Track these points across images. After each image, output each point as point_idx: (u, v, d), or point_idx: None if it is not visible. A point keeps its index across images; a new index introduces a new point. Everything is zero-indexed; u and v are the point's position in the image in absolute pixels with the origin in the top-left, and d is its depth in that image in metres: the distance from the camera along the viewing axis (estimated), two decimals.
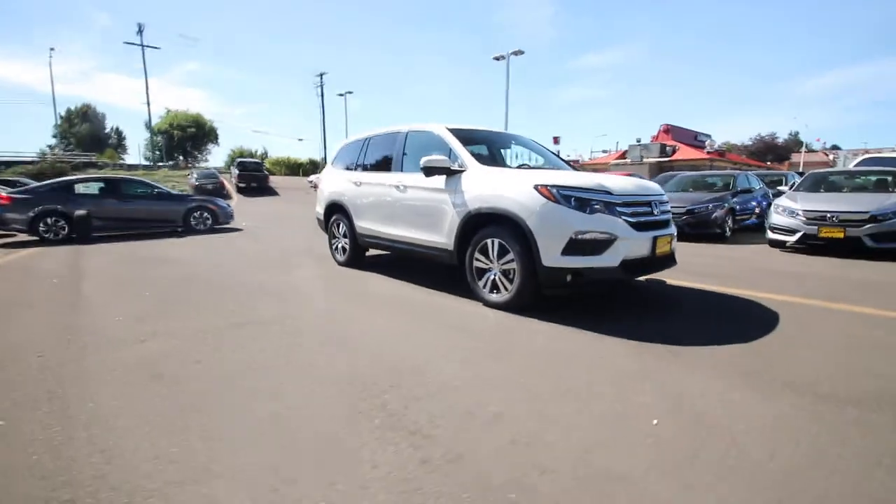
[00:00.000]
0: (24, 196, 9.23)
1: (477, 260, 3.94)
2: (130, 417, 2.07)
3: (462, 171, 4.09)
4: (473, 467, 1.68)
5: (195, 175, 26.10)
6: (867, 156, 14.08)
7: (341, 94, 35.28)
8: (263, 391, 2.33)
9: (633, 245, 3.45)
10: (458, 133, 4.45)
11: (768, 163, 36.96)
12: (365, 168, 5.53)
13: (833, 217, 6.35)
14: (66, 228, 9.22)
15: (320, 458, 1.75)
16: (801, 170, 25.04)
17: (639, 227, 3.50)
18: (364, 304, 4.11)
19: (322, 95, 45.28)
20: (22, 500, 1.53)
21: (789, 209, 6.87)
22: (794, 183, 12.57)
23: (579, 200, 3.39)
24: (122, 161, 45.15)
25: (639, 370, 2.58)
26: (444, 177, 4.21)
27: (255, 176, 27.37)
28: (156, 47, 35.42)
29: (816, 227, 6.46)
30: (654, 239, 3.59)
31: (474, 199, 3.89)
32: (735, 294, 4.32)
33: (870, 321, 3.49)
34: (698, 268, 5.68)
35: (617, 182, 3.65)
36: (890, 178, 7.42)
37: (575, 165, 5.79)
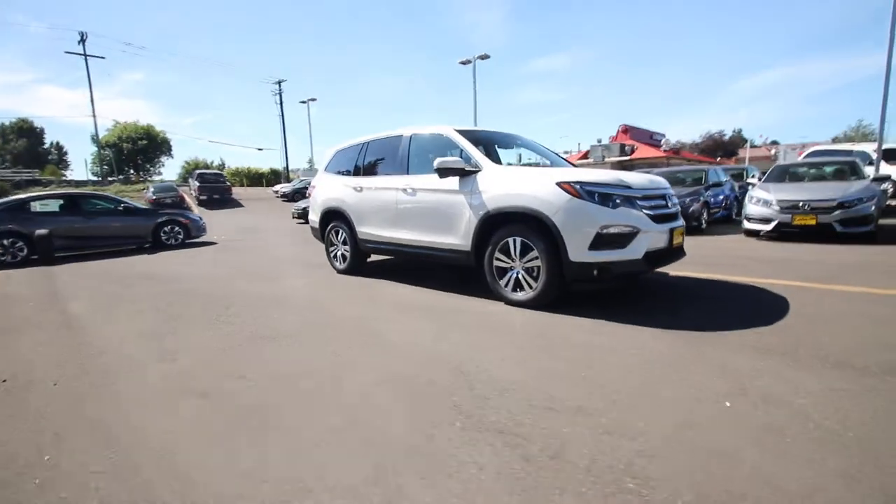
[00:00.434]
0: None
1: (497, 259, 3.95)
2: (193, 438, 1.94)
3: (477, 172, 4.10)
4: (579, 460, 1.68)
5: (152, 189, 24.83)
6: (815, 148, 15.15)
7: (303, 102, 34.53)
8: (323, 401, 2.24)
9: (654, 237, 3.56)
10: (466, 134, 4.46)
11: (718, 158, 39.08)
12: (366, 173, 5.44)
13: (805, 205, 6.79)
14: (25, 249, 8.55)
15: (418, 465, 1.69)
16: (747, 164, 26.47)
17: (657, 219, 3.62)
18: (383, 309, 4.03)
19: (281, 103, 44.21)
20: None
21: (764, 199, 7.29)
22: (755, 175, 13.38)
23: (602, 196, 3.46)
24: (64, 177, 42.39)
25: (684, 356, 2.66)
26: (457, 178, 4.21)
27: (216, 187, 26.36)
28: (100, 57, 33.42)
29: (790, 216, 6.89)
30: (671, 231, 3.72)
31: (493, 199, 3.90)
32: (736, 281, 4.53)
33: (869, 299, 3.75)
34: (689, 259, 5.90)
35: (633, 177, 3.77)
36: (847, 168, 8.02)
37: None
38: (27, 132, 51.42)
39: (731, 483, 1.53)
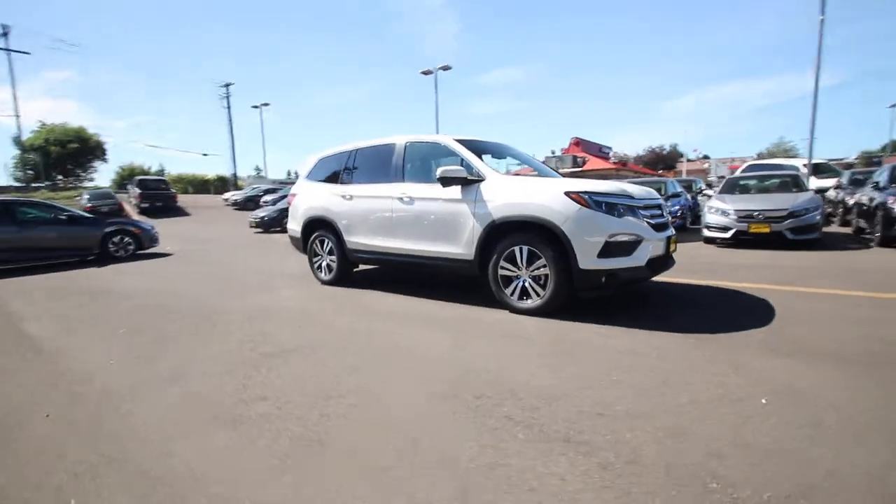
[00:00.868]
0: None
1: (503, 268, 3.98)
2: (248, 473, 1.78)
3: (480, 181, 4.12)
4: (655, 465, 1.71)
5: (87, 196, 22.93)
6: (752, 163, 16.56)
7: (256, 106, 33.20)
8: (374, 421, 2.14)
9: (655, 245, 3.73)
10: (465, 144, 4.48)
11: (660, 171, 41.67)
12: (355, 181, 5.31)
13: (760, 215, 7.38)
14: None
15: (500, 481, 1.65)
16: (684, 177, 28.28)
17: (656, 228, 3.80)
18: (386, 321, 3.93)
19: (229, 107, 42.35)
20: None
21: (722, 210, 7.84)
22: (701, 188, 14.36)
23: (609, 205, 3.59)
24: None
25: (699, 357, 2.79)
26: (459, 187, 4.21)
27: (160, 195, 24.76)
28: (25, 52, 30.52)
29: (746, 224, 7.46)
30: (668, 239, 3.92)
31: (499, 208, 3.93)
32: (712, 285, 4.83)
33: (835, 300, 4.11)
34: None
35: (633, 188, 3.93)
36: (790, 181, 8.82)
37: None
38: None
39: (801, 476, 1.61)
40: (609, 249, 3.52)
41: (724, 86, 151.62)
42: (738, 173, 15.70)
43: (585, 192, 3.60)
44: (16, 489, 1.73)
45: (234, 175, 44.05)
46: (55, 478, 1.79)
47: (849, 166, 20.53)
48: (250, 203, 27.15)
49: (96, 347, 3.47)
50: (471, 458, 1.80)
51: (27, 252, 8.55)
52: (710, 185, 14.33)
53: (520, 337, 3.32)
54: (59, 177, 41.29)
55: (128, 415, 2.27)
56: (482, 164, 4.21)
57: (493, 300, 4.17)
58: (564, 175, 5.55)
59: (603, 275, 3.55)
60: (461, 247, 4.22)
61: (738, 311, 3.81)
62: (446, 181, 4.15)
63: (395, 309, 4.34)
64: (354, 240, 5.21)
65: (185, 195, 31.36)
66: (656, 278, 5.17)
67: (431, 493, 1.59)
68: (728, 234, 7.67)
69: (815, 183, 12.80)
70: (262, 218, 16.21)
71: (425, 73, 23.45)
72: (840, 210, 10.48)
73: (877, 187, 7.49)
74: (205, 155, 55.16)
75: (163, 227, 10.38)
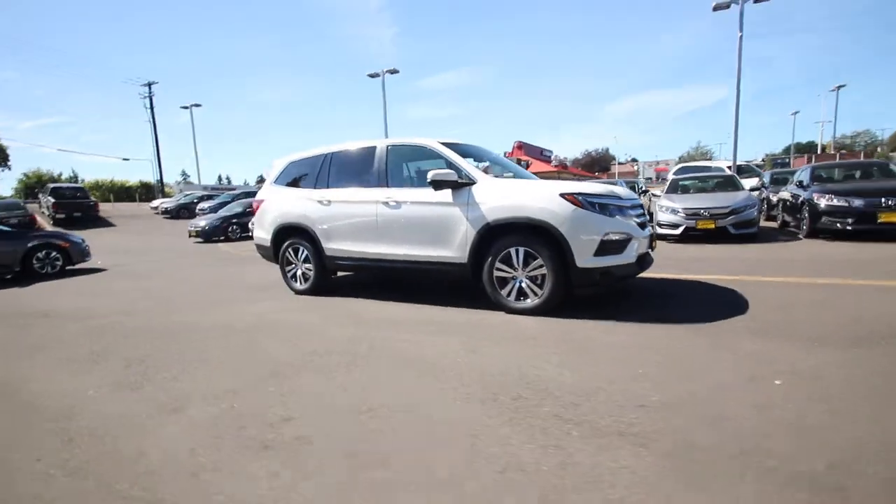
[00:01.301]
0: None
1: (498, 270, 4.01)
2: (304, 495, 1.65)
3: (471, 184, 4.13)
4: (713, 449, 1.79)
5: None
6: (682, 165, 17.93)
7: (185, 107, 30.87)
8: (417, 431, 2.07)
9: (641, 243, 3.93)
10: (452, 147, 4.47)
11: (596, 173, 44.05)
12: (332, 185, 5.12)
13: (706, 212, 8.01)
14: None
15: (577, 481, 1.66)
16: (616, 179, 30.07)
17: (640, 226, 4.00)
18: (384, 328, 3.81)
19: (152, 108, 39.23)
20: None
21: (671, 208, 8.43)
22: (644, 189, 15.33)
23: (601, 206, 3.73)
24: None
25: (701, 345, 2.98)
26: (449, 190, 4.19)
27: (78, 204, 22.43)
28: None
29: (694, 221, 8.07)
30: (650, 237, 4.14)
31: (493, 210, 3.95)
32: (681, 279, 5.17)
33: (797, 287, 4.55)
34: None
35: (619, 189, 4.12)
36: (727, 181, 9.66)
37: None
38: None
39: (838, 447, 1.76)
40: (604, 248, 3.66)
41: (649, 94, 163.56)
42: (670, 175, 16.92)
43: (580, 194, 3.72)
44: None
45: (160, 181, 40.93)
46: None
47: (758, 167, 22.88)
48: (184, 211, 25.40)
49: (61, 377, 3.06)
50: (537, 459, 1.79)
51: None
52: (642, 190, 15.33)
53: (526, 337, 3.36)
54: None
55: (139, 455, 2.02)
56: (472, 167, 4.22)
57: (482, 302, 4.19)
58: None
59: (598, 272, 3.68)
60: (453, 250, 4.20)
61: (713, 302, 4.11)
62: (438, 185, 4.12)
63: (387, 316, 4.23)
64: (334, 246, 5.02)
65: (105, 204, 28.66)
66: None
67: (520, 501, 1.56)
68: (678, 231, 8.26)
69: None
70: (203, 227, 15.21)
71: (372, 75, 23.13)
72: (765, 206, 11.62)
73: (801, 185, 8.40)
74: (125, 160, 50.55)
75: (87, 241, 9.38)
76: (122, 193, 38.28)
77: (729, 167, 15.68)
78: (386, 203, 4.57)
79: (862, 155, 40.48)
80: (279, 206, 5.51)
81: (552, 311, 3.84)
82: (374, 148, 4.86)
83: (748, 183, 13.25)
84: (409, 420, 2.18)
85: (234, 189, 49.46)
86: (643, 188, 14.99)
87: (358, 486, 1.69)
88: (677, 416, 2.07)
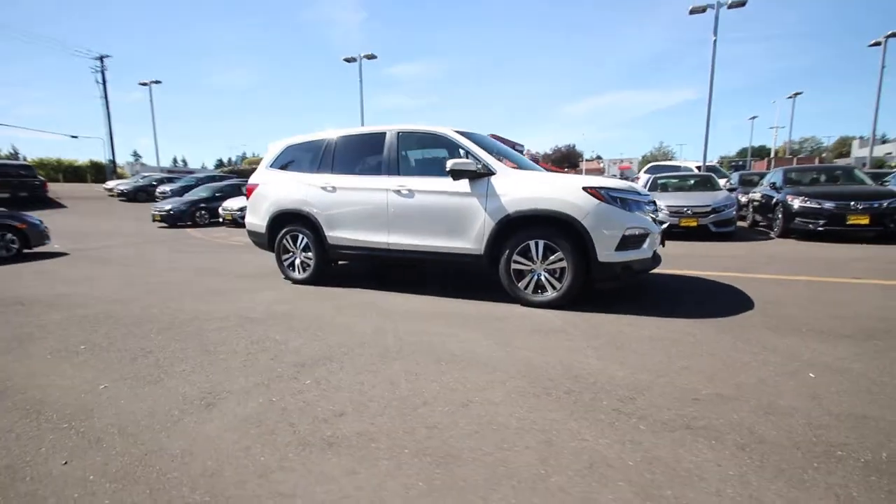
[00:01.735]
0: None
1: (516, 262, 3.99)
2: (385, 494, 1.57)
3: (490, 175, 4.07)
4: (782, 442, 1.85)
5: None
6: (652, 164, 18.51)
7: (144, 84, 28.90)
8: (483, 425, 2.02)
9: (656, 238, 4.01)
10: (468, 136, 4.39)
11: (565, 168, 44.90)
12: (337, 171, 4.92)
13: (689, 210, 8.30)
14: None
15: (668, 477, 1.66)
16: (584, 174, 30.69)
17: (654, 222, 4.08)
18: (407, 321, 3.71)
19: (104, 83, 36.69)
20: None
21: None
22: None
23: (622, 201, 3.77)
24: None
25: (727, 339, 3.07)
26: (466, 180, 4.12)
27: (24, 183, 20.69)
28: None
29: (678, 219, 8.34)
30: (662, 233, 4.23)
31: (513, 202, 3.92)
32: (680, 274, 5.34)
33: (795, 284, 4.79)
34: None
35: (635, 185, 4.18)
36: (704, 180, 10.05)
37: None
38: None
39: (890, 435, 1.85)
40: (624, 243, 3.71)
41: (613, 94, 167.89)
42: (642, 173, 17.44)
43: (602, 188, 3.74)
44: None
45: (112, 161, 38.48)
46: None
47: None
48: (142, 194, 24.00)
49: (63, 372, 2.80)
50: (618, 455, 1.78)
51: None
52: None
53: (555, 331, 3.36)
54: None
55: (187, 454, 1.87)
56: (491, 158, 4.16)
57: (494, 295, 4.19)
58: None
59: (619, 267, 3.73)
60: (469, 241, 4.15)
61: (721, 298, 4.26)
62: (457, 174, 4.04)
63: (403, 308, 4.13)
64: (339, 235, 4.85)
65: (54, 184, 26.62)
66: None
67: (617, 497, 1.54)
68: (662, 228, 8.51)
69: None
70: (169, 211, 14.41)
71: (349, 60, 22.46)
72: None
73: (774, 187, 8.84)
74: (73, 137, 46.58)
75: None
76: (71, 174, 35.72)
77: (698, 167, 16.33)
78: (398, 191, 4.44)
79: (817, 160, 43.16)
80: (277, 191, 5.26)
81: (570, 304, 3.87)
82: (383, 134, 4.70)
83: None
84: (470, 415, 2.13)
85: (192, 172, 47.18)
86: None
87: (444, 484, 1.63)
88: (734, 410, 2.11)
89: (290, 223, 5.19)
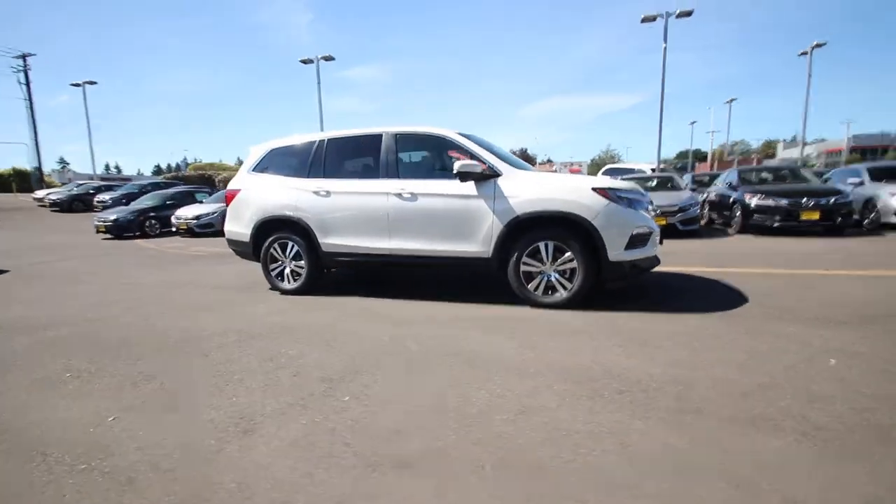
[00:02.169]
0: None
1: (525, 264, 3.98)
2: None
3: (496, 176, 4.04)
4: (844, 429, 1.92)
5: None
6: (609, 167, 19.26)
7: (77, 84, 26.55)
8: (553, 431, 1.97)
9: (657, 237, 4.13)
10: (471, 138, 4.34)
11: None
12: (329, 175, 4.72)
13: (657, 210, 8.66)
14: None
15: (765, 475, 1.68)
16: None
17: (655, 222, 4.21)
18: (421, 326, 3.59)
19: (28, 84, 33.63)
20: None
21: None
22: None
23: (629, 201, 3.86)
24: None
25: (741, 332, 3.20)
26: (472, 182, 4.07)
27: None
28: None
29: None
30: (660, 232, 4.37)
31: (522, 204, 3.91)
32: (670, 271, 5.53)
33: (774, 277, 5.08)
34: None
35: (638, 186, 4.29)
36: (665, 180, 10.56)
37: None
38: None
39: None
40: (633, 241, 3.79)
41: (563, 98, 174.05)
42: (600, 175, 18.07)
43: (610, 189, 3.81)
44: None
45: (38, 169, 35.35)
46: None
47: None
48: (78, 203, 22.21)
49: (55, 404, 2.47)
50: (699, 453, 1.79)
51: None
52: None
53: (576, 331, 3.37)
54: None
55: (245, 488, 1.68)
56: (497, 160, 4.14)
57: (496, 297, 4.21)
58: None
59: (628, 265, 3.81)
60: (477, 244, 4.09)
61: (716, 292, 4.45)
62: (465, 176, 3.98)
63: (411, 314, 4.00)
64: (334, 242, 4.64)
65: None
66: None
67: (721, 495, 1.54)
68: None
69: None
70: (115, 221, 13.36)
71: (305, 61, 21.80)
72: None
73: (731, 187, 9.43)
74: None
75: None
76: None
77: (652, 169, 17.18)
78: (399, 195, 4.32)
79: (755, 161, 46.64)
80: (262, 196, 4.97)
81: (580, 304, 3.90)
82: (379, 136, 4.56)
83: None
84: (533, 422, 2.07)
85: (129, 179, 44.17)
86: None
87: (543, 495, 1.56)
88: (778, 398, 2.19)
89: (278, 230, 4.91)
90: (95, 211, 18.63)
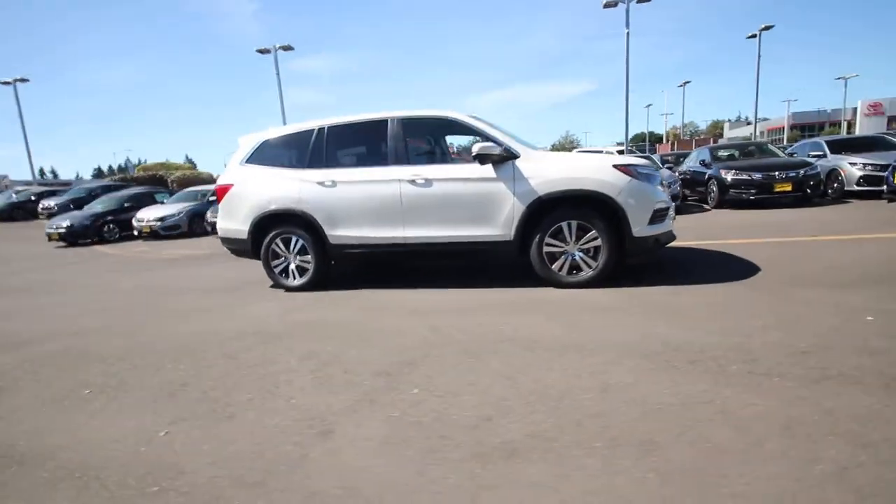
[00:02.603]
0: None
1: (548, 245, 3.94)
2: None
3: (514, 158, 3.97)
4: None
5: None
6: (578, 150, 19.57)
7: (7, 83, 24.07)
8: (648, 410, 1.93)
9: (673, 212, 4.20)
10: (481, 120, 4.24)
11: None
12: (332, 164, 4.50)
13: None
14: None
15: (864, 431, 1.70)
16: None
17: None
18: (452, 316, 3.47)
19: None
20: None
21: None
22: None
23: (649, 177, 3.89)
24: None
25: (767, 298, 3.31)
26: (489, 165, 3.98)
27: None
28: None
29: None
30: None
31: (544, 185, 3.86)
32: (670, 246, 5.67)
33: (771, 246, 5.30)
34: None
35: (649, 162, 4.33)
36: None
37: None
38: None
39: None
40: (655, 217, 3.83)
41: (519, 87, 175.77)
42: None
43: (632, 166, 3.83)
44: None
45: None
46: None
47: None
48: (19, 211, 20.48)
49: (83, 423, 2.21)
50: (799, 412, 1.80)
51: None
52: None
53: (610, 308, 3.37)
54: None
55: (349, 492, 1.54)
56: (513, 140, 4.06)
57: (512, 281, 4.19)
58: None
59: (651, 240, 3.85)
60: (497, 228, 4.02)
61: (726, 263, 4.59)
62: (484, 159, 3.88)
63: (436, 303, 3.89)
64: (343, 233, 4.44)
65: None
66: None
67: (839, 452, 1.54)
68: None
69: None
70: (69, 227, 12.39)
71: (262, 51, 20.80)
72: None
73: (704, 164, 9.77)
74: None
75: None
76: None
77: (620, 151, 17.61)
78: (412, 181, 4.17)
79: (712, 140, 48.71)
80: (260, 190, 4.68)
81: (603, 283, 3.90)
82: (384, 121, 4.37)
83: None
84: (621, 399, 2.03)
85: (69, 183, 41.28)
86: None
87: (671, 470, 1.52)
88: (843, 356, 2.26)
89: (279, 225, 4.64)
90: (40, 219, 17.22)
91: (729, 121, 66.10)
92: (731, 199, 8.77)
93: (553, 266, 3.98)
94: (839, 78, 40.00)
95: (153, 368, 2.85)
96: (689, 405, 1.92)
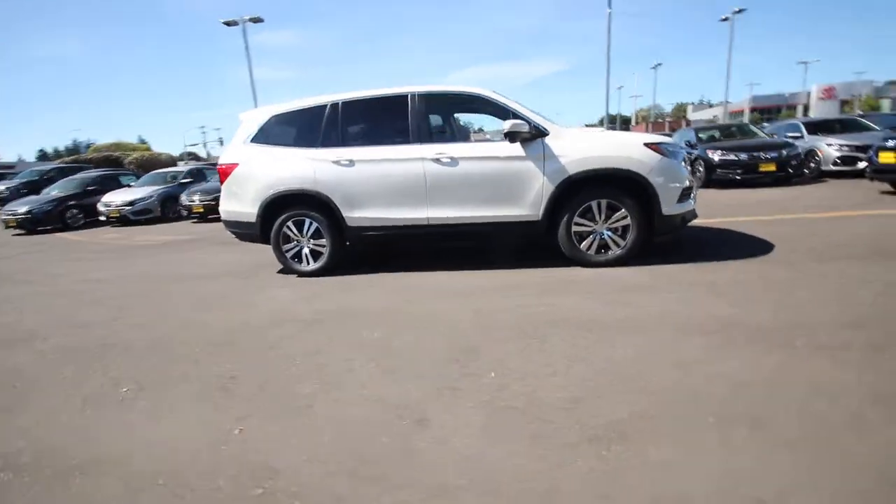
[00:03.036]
0: None
1: (577, 224, 3.92)
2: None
3: (543, 136, 3.89)
4: None
5: None
6: None
7: None
8: (729, 386, 1.95)
9: (696, 190, 4.24)
10: (507, 98, 4.12)
11: None
12: (349, 143, 4.29)
13: None
14: None
15: None
16: None
17: None
18: (488, 297, 3.42)
19: None
20: None
21: None
22: None
23: (678, 155, 3.90)
24: None
25: (792, 273, 3.41)
26: (518, 143, 3.89)
27: None
28: None
29: None
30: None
31: (575, 163, 3.81)
32: None
33: (773, 224, 5.46)
34: None
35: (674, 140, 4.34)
36: None
37: None
38: None
39: None
40: (683, 194, 3.86)
41: (487, 67, 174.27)
42: None
43: (662, 143, 3.82)
44: None
45: None
46: None
47: None
48: None
49: (135, 423, 2.05)
50: (886, 385, 1.85)
51: None
52: None
53: (646, 287, 3.38)
54: None
55: (473, 484, 1.48)
56: (542, 119, 3.97)
57: (538, 261, 4.16)
58: None
59: (679, 218, 3.89)
60: (526, 207, 3.96)
61: (738, 240, 4.70)
62: (514, 136, 3.79)
63: (472, 287, 3.76)
64: (362, 215, 4.27)
65: None
66: None
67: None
68: None
69: None
70: (29, 213, 11.48)
71: (229, 23, 19.55)
72: None
73: (690, 145, 9.98)
74: None
75: None
76: None
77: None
78: (437, 160, 4.03)
79: (685, 123, 49.91)
80: (269, 170, 4.42)
81: (631, 261, 3.93)
82: (403, 96, 4.19)
83: None
84: (702, 377, 2.03)
85: (13, 167, 38.33)
86: None
87: (779, 444, 1.53)
88: (887, 326, 2.34)
89: (291, 207, 4.42)
90: None
91: (692, 104, 68.07)
92: (717, 178, 9.02)
93: (581, 245, 3.96)
94: (801, 62, 41.61)
95: (189, 361, 2.68)
96: (778, 382, 1.95)
